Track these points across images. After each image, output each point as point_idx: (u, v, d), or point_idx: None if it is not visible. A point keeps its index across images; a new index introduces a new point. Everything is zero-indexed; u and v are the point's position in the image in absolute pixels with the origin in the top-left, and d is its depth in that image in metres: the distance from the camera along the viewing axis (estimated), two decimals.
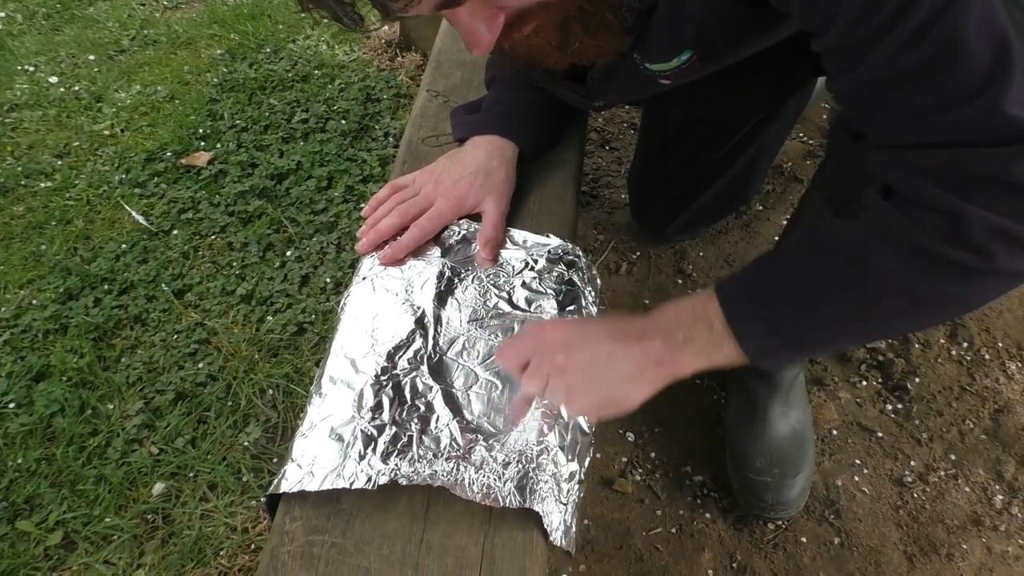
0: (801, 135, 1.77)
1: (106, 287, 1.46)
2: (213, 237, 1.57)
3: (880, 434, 1.28)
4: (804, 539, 1.16)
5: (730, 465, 1.21)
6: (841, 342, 0.73)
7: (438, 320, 0.87)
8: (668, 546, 1.16)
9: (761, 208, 1.62)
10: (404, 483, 0.72)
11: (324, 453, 0.75)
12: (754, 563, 1.14)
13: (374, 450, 0.74)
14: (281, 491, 0.72)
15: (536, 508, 0.71)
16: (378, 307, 0.88)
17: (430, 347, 0.84)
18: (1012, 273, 0.63)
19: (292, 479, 0.73)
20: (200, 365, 1.34)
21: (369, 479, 0.72)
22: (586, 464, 0.78)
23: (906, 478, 1.23)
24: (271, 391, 1.32)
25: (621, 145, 1.80)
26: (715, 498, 1.21)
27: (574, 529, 0.73)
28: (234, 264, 1.51)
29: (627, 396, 0.71)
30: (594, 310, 0.90)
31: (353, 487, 0.72)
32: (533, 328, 0.77)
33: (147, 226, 1.58)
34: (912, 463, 1.24)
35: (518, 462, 0.74)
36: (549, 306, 0.88)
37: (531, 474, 0.73)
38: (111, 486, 1.19)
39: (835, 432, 1.28)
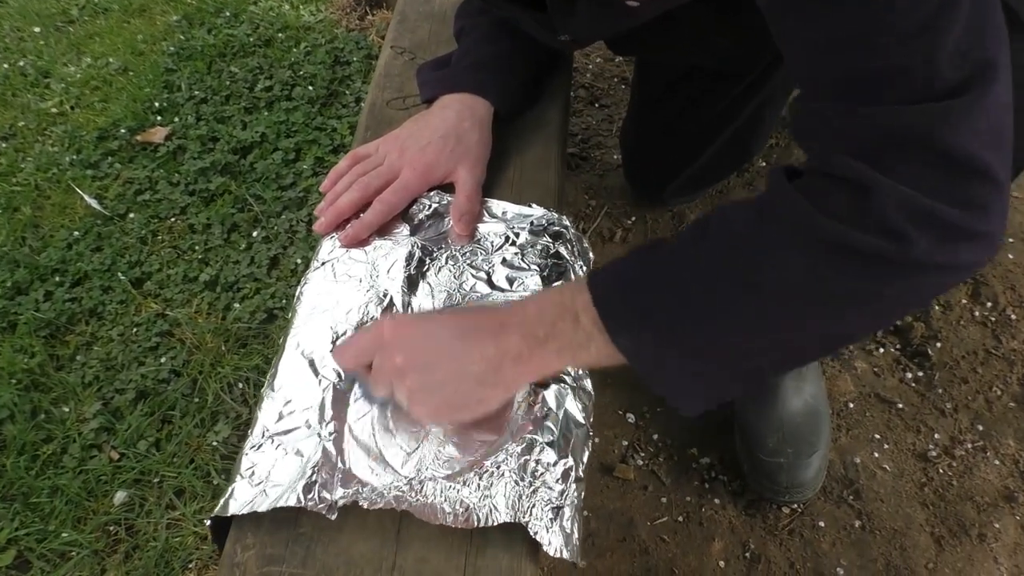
0: None
1: (57, 279, 1.35)
2: (173, 219, 1.46)
3: (900, 405, 1.18)
4: (822, 523, 1.07)
5: (739, 445, 1.12)
6: (752, 362, 0.59)
7: (408, 308, 0.77)
8: (675, 536, 1.07)
9: (765, 164, 1.51)
10: (366, 505, 0.62)
11: (280, 469, 0.65)
12: (769, 551, 1.05)
13: (334, 469, 0.64)
14: (230, 513, 0.62)
15: (523, 521, 0.61)
16: (339, 295, 0.78)
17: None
18: (933, 265, 0.51)
19: (241, 499, 0.63)
20: (162, 360, 1.24)
21: (329, 506, 0.62)
22: (584, 459, 0.68)
23: (930, 452, 1.13)
24: (240, 385, 1.22)
25: (612, 102, 1.68)
26: (724, 481, 1.12)
27: (576, 536, 0.63)
28: (196, 248, 1.41)
29: (478, 400, 0.63)
30: None
31: (311, 509, 0.62)
32: (374, 325, 0.67)
33: (101, 210, 1.47)
34: (936, 436, 1.15)
35: (498, 468, 0.64)
36: (533, 283, 0.78)
37: (514, 481, 0.63)
38: (68, 497, 1.09)
39: (852, 405, 1.19)
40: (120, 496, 1.09)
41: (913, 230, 0.49)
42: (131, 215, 1.46)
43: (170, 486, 1.11)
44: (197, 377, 1.22)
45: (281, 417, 0.69)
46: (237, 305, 1.31)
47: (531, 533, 0.60)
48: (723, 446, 1.15)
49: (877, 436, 1.16)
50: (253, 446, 0.67)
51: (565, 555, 0.61)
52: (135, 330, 1.28)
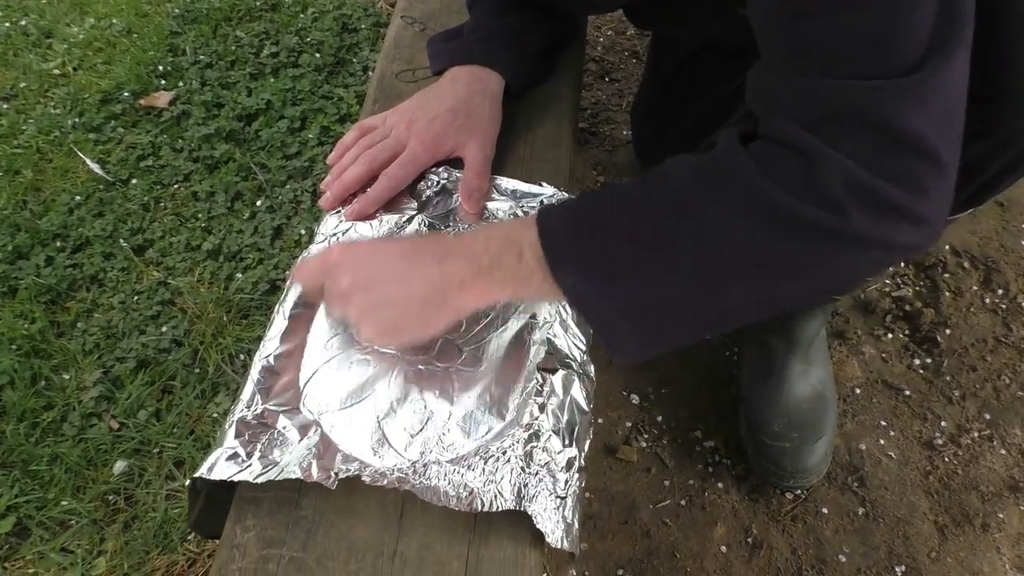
0: None
1: (58, 244, 1.34)
2: (176, 186, 1.44)
3: (907, 392, 1.17)
4: (825, 510, 1.07)
5: (744, 429, 1.11)
6: (687, 316, 0.60)
7: None
8: (677, 520, 1.06)
9: None
10: (368, 481, 0.61)
11: (276, 443, 0.64)
12: (771, 537, 1.05)
13: (334, 448, 0.63)
14: (215, 477, 0.61)
15: (528, 509, 0.60)
16: None
17: None
18: (869, 241, 0.51)
19: (224, 470, 0.61)
20: (164, 329, 1.23)
21: (328, 475, 0.61)
22: (586, 447, 0.67)
23: (936, 440, 1.12)
24: (242, 356, 1.20)
25: (623, 76, 1.65)
26: (728, 465, 1.11)
27: (576, 526, 0.62)
28: (199, 216, 1.38)
29: (425, 320, 0.64)
30: None
31: (309, 479, 0.61)
32: (325, 249, 0.72)
33: (103, 175, 1.44)
34: (943, 424, 1.14)
35: (504, 454, 0.63)
36: None
37: (520, 468, 0.62)
38: (67, 466, 1.08)
39: (858, 391, 1.18)
40: (120, 466, 1.09)
41: (853, 204, 0.49)
42: (133, 181, 1.44)
43: (170, 457, 1.10)
44: (198, 347, 1.21)
45: (276, 388, 0.68)
46: (240, 275, 1.30)
47: (535, 522, 0.60)
48: (728, 429, 1.14)
49: (883, 423, 1.14)
50: (245, 415, 0.65)
51: (565, 545, 0.60)
52: (136, 298, 1.27)
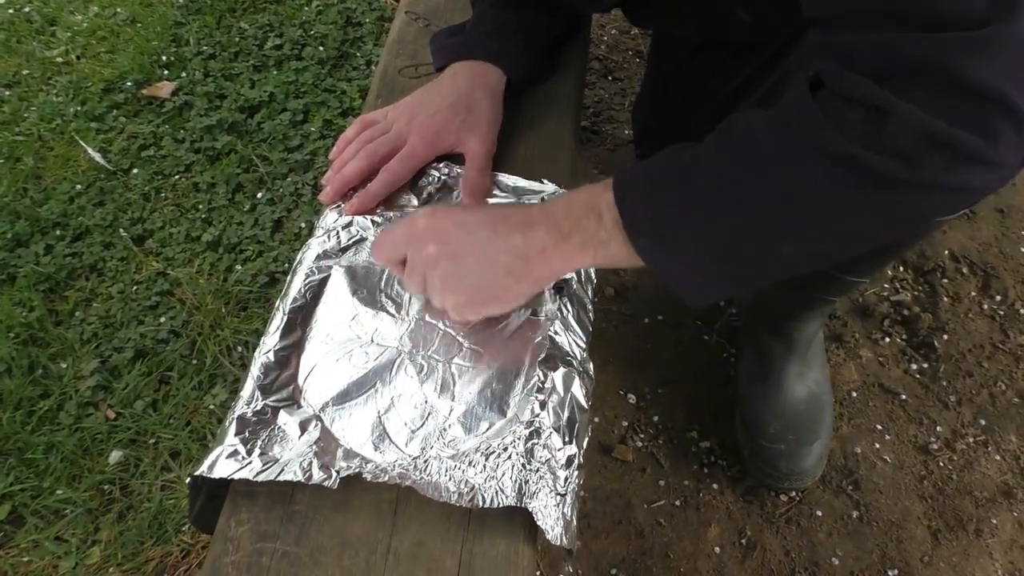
0: None
1: (58, 233, 1.34)
2: (177, 177, 1.44)
3: (904, 396, 1.17)
4: (820, 512, 1.07)
5: (740, 430, 1.11)
6: (758, 264, 0.62)
7: None
8: (671, 520, 1.06)
9: None
10: (369, 479, 0.61)
11: (276, 440, 0.64)
12: (765, 539, 1.05)
13: (335, 444, 0.64)
14: (216, 475, 0.60)
15: (528, 506, 0.60)
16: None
17: (404, 313, 0.72)
18: (942, 186, 0.52)
19: (224, 467, 0.61)
20: (162, 320, 1.23)
21: (330, 473, 0.61)
22: (584, 444, 0.67)
23: (931, 445, 1.13)
24: (240, 348, 1.20)
25: (626, 75, 1.65)
26: (723, 466, 1.11)
27: (575, 523, 0.62)
28: (200, 207, 1.38)
29: (506, 289, 0.65)
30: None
31: (311, 482, 0.61)
32: (406, 219, 0.69)
33: (104, 164, 1.44)
34: (938, 428, 1.14)
35: (505, 451, 0.63)
36: None
37: (521, 465, 0.62)
38: (63, 455, 1.08)
39: (855, 394, 1.18)
40: (115, 455, 1.09)
41: (927, 154, 0.50)
42: (135, 170, 1.44)
43: (166, 447, 1.10)
44: (196, 339, 1.21)
45: (276, 384, 0.68)
46: (239, 267, 1.30)
47: (535, 518, 0.60)
48: (723, 430, 1.14)
49: (879, 426, 1.14)
50: (245, 411, 0.65)
51: (564, 542, 0.60)
52: (135, 288, 1.27)
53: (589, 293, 0.76)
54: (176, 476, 1.07)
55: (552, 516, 0.61)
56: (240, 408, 0.66)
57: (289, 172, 1.43)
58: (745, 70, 1.11)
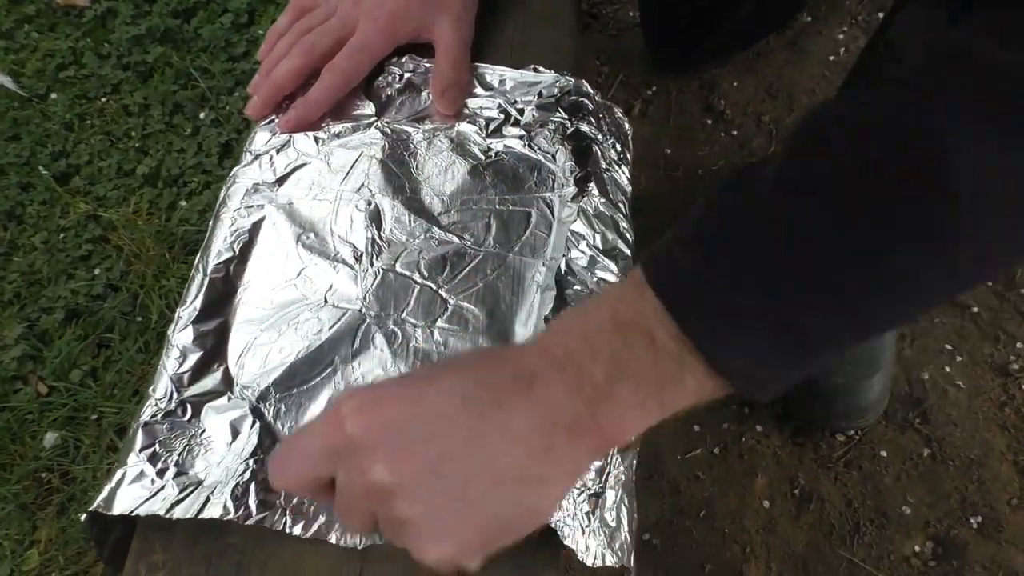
0: None
1: None
2: (104, 99, 1.23)
3: (975, 309, 1.00)
4: (884, 452, 0.91)
5: None
6: (883, 318, 0.40)
7: (376, 218, 0.57)
8: (710, 472, 0.91)
9: (810, 20, 1.26)
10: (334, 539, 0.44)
11: (197, 453, 0.47)
12: (821, 488, 0.90)
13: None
14: (116, 512, 0.44)
15: (551, 521, 0.43)
16: None
17: (367, 262, 0.55)
18: None
19: (133, 495, 0.45)
20: (96, 272, 1.05)
21: (272, 506, 0.45)
22: None
23: (1011, 365, 0.96)
24: None
25: None
26: (766, 404, 0.95)
27: (626, 527, 0.46)
28: (133, 134, 1.18)
29: (529, 512, 0.38)
30: (623, 177, 0.59)
31: (248, 520, 0.44)
32: (326, 412, 0.42)
33: (16, 90, 1.23)
34: (1018, 345, 0.98)
35: None
36: (552, 180, 0.59)
37: None
38: None
39: None
40: (50, 438, 0.92)
41: None
42: (53, 95, 1.23)
43: (110, 424, 0.94)
44: (138, 292, 1.03)
45: (198, 371, 0.50)
46: (183, 203, 1.11)
47: (560, 536, 0.43)
48: None
49: (948, 346, 0.98)
50: (155, 414, 0.48)
51: (609, 560, 0.44)
52: (62, 236, 1.08)
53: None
54: None
55: (585, 528, 0.44)
56: (148, 410, 0.49)
57: (236, 86, 1.23)
58: None
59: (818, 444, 0.92)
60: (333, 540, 0.44)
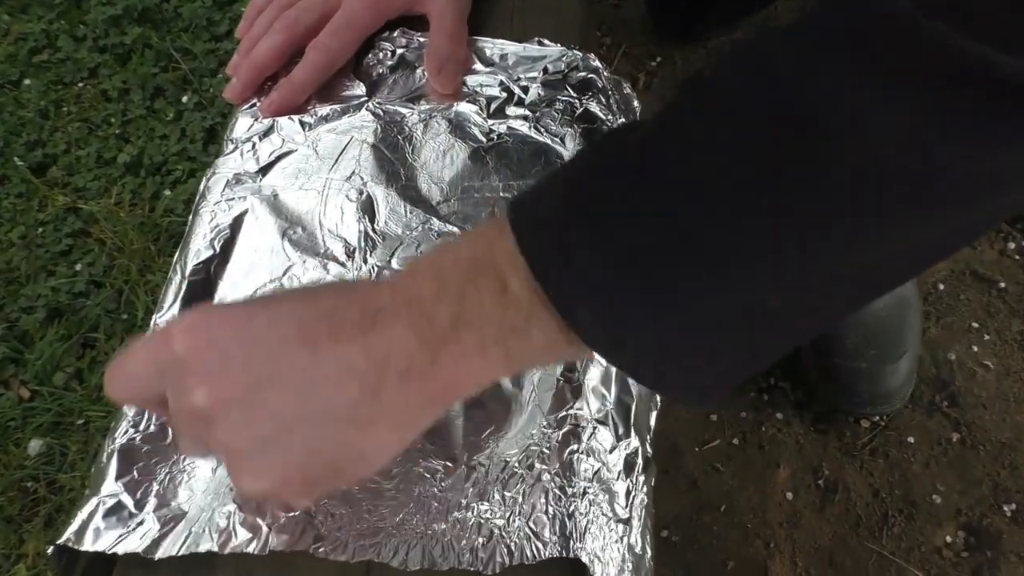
0: None
1: None
2: (81, 84, 1.19)
3: (1003, 284, 0.96)
4: (911, 438, 0.87)
5: (807, 347, 0.90)
6: (807, 312, 0.35)
7: (369, 209, 0.52)
8: (730, 463, 0.87)
9: None
10: (323, 553, 0.40)
11: (179, 481, 0.43)
12: (846, 477, 0.86)
13: None
14: (88, 548, 0.40)
15: (577, 552, 0.39)
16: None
17: (360, 259, 0.50)
18: None
19: (102, 534, 0.40)
20: (78, 267, 1.01)
21: (256, 532, 0.40)
22: (652, 423, 0.45)
23: None
24: None
25: None
26: (786, 390, 0.92)
27: (649, 553, 0.42)
28: (112, 120, 1.14)
29: (356, 456, 0.36)
30: None
31: (226, 548, 0.40)
32: (161, 329, 0.39)
33: None
34: None
35: (530, 470, 0.42)
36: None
37: (558, 489, 0.41)
38: None
39: (942, 286, 0.97)
40: (35, 445, 0.88)
41: None
42: (26, 81, 1.18)
43: (97, 428, 0.90)
44: (123, 287, 0.99)
45: None
46: (167, 192, 1.07)
47: (591, 570, 0.39)
48: None
49: (975, 324, 0.94)
50: (133, 436, 0.44)
51: None
52: (40, 230, 1.04)
53: None
54: None
55: (615, 558, 0.40)
56: (123, 432, 0.44)
57: (219, 67, 1.19)
58: None
59: (842, 431, 0.88)
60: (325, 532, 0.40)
